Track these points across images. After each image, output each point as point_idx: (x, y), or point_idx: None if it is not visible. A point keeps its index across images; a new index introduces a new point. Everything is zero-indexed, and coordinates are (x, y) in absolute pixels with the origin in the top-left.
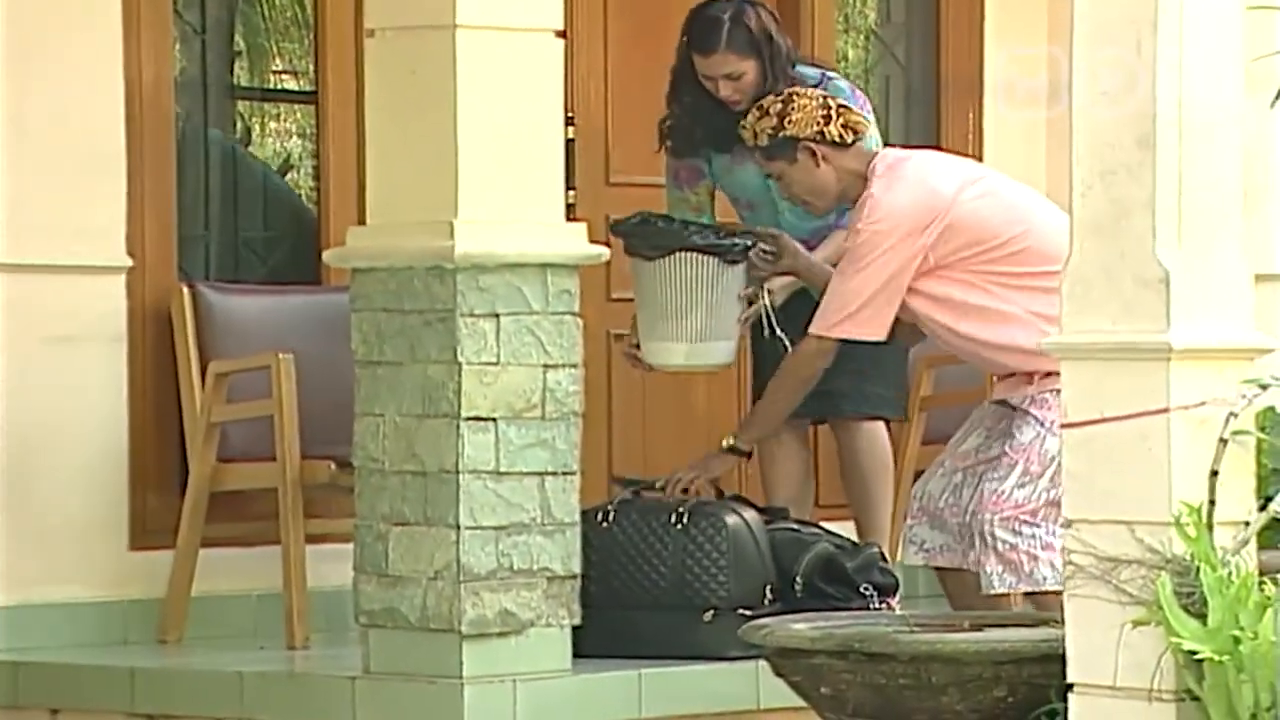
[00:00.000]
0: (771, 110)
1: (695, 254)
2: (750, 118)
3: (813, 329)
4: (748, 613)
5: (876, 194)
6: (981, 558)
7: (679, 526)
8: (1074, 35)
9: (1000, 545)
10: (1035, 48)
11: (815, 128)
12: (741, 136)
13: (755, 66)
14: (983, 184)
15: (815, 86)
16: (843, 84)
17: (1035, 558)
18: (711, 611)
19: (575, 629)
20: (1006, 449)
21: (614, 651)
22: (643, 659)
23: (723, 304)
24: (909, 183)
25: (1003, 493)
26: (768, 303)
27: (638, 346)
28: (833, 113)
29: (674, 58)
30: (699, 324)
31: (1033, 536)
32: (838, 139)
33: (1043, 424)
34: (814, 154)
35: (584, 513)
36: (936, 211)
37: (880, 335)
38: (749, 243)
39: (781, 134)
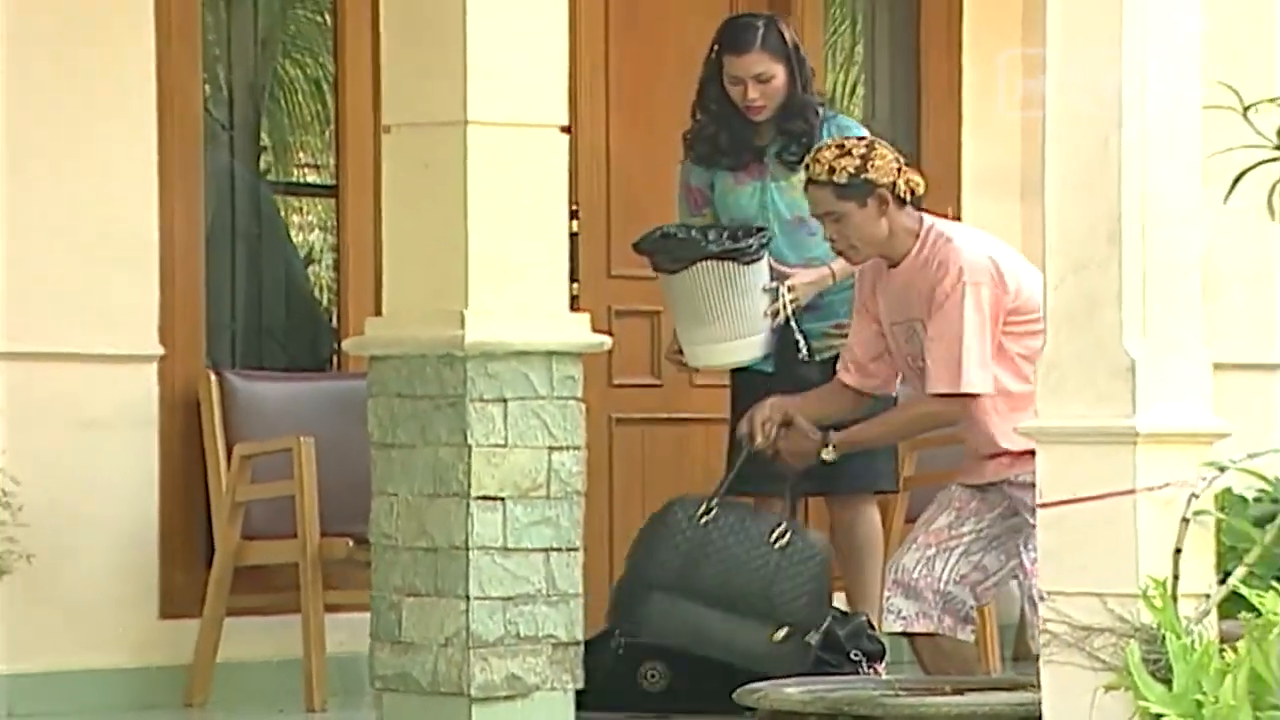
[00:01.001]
0: (855, 151)
1: (714, 260)
2: (828, 153)
3: (935, 389)
4: (813, 642)
5: (957, 246)
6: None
7: (777, 545)
8: (1045, 133)
9: None
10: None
11: (891, 178)
12: (809, 167)
13: (785, 72)
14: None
15: (822, 107)
16: (849, 120)
17: None
18: (785, 630)
19: (637, 611)
20: (1033, 521)
21: (675, 641)
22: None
23: (748, 302)
24: (983, 244)
25: None
26: (787, 299)
27: (680, 351)
28: (903, 167)
29: (698, 80)
30: (730, 324)
31: None
32: (904, 195)
33: None
34: (883, 203)
35: (684, 502)
36: (1010, 271)
37: (990, 388)
38: (764, 239)
39: (863, 175)
